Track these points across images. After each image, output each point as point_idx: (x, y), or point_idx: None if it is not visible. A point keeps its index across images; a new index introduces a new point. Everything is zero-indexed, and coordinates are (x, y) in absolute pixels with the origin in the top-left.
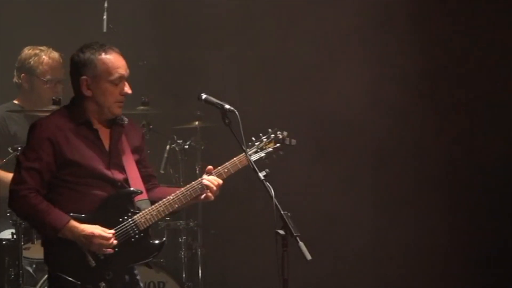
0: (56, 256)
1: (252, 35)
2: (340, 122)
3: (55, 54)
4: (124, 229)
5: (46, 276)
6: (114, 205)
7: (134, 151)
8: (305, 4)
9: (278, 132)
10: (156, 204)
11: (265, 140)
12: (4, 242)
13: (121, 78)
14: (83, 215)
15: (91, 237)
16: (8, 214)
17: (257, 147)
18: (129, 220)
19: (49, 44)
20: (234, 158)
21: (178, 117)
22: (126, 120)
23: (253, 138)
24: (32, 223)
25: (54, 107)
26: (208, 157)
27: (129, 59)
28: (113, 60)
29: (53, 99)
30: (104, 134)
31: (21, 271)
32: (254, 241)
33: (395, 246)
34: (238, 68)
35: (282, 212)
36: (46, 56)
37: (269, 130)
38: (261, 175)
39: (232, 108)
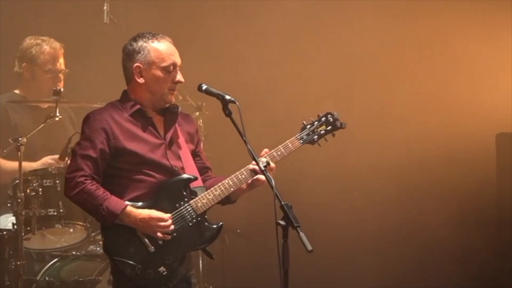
0: (115, 242)
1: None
2: None
3: (57, 44)
4: (181, 214)
5: (47, 267)
6: (170, 191)
7: (188, 140)
8: None
9: (329, 116)
10: (212, 188)
11: (316, 123)
12: (4, 233)
13: (174, 65)
14: (139, 203)
15: (148, 220)
16: (9, 205)
17: (309, 129)
18: (186, 205)
19: (49, 34)
20: (287, 141)
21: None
22: (179, 107)
23: (304, 122)
24: (89, 209)
25: (55, 98)
26: (209, 147)
27: None
28: (166, 47)
29: (53, 89)
30: (159, 122)
31: (21, 262)
32: (255, 232)
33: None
34: (234, 58)
35: (282, 203)
36: (47, 46)
37: (319, 114)
38: (262, 165)
39: (233, 99)
